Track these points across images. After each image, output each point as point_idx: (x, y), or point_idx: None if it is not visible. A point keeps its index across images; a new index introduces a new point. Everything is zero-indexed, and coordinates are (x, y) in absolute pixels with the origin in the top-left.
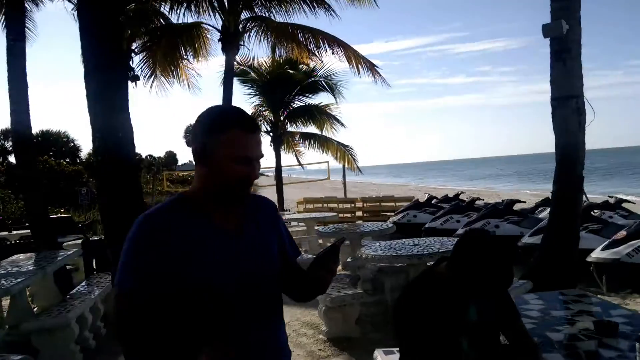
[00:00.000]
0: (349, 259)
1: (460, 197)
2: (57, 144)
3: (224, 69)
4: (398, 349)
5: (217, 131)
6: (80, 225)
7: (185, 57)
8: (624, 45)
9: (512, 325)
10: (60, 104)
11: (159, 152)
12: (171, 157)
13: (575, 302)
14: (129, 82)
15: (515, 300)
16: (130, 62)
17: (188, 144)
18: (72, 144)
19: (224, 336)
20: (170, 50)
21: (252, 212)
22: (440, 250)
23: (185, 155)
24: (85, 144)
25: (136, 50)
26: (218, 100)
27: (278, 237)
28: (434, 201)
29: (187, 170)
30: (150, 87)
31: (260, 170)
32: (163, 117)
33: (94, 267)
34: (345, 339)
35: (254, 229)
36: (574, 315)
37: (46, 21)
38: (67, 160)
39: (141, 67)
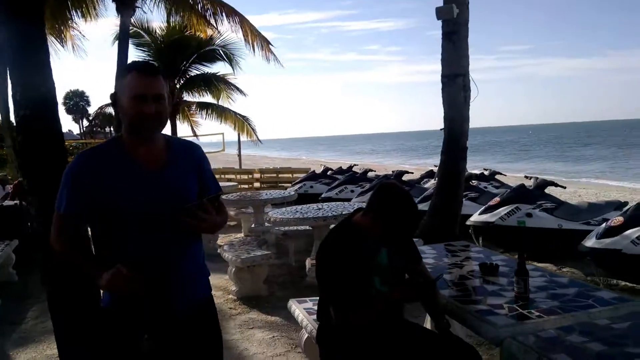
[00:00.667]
0: (253, 225)
1: (353, 169)
2: None
3: (118, 31)
4: (310, 298)
5: (121, 77)
6: None
7: (72, 16)
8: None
9: (415, 266)
10: None
11: None
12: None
13: (461, 251)
14: None
15: None
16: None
17: (68, 111)
18: None
19: (132, 262)
20: (59, 9)
21: (175, 154)
22: (342, 212)
23: (65, 124)
24: None
25: None
26: (108, 65)
27: (199, 176)
28: (329, 173)
29: (67, 140)
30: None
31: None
32: None
33: None
34: (255, 297)
35: (174, 169)
36: (461, 261)
37: None
38: None
39: None
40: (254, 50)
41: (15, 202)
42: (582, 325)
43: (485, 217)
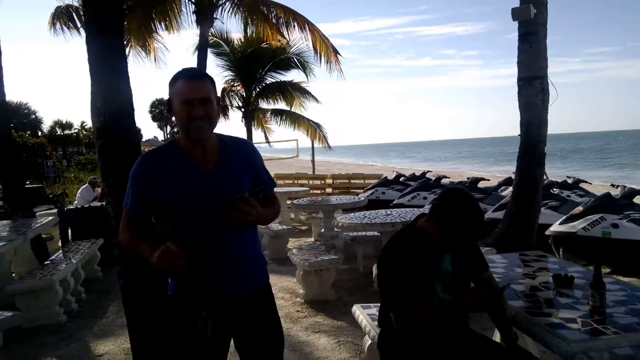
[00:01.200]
0: (322, 230)
1: (427, 175)
2: (18, 116)
3: (198, 41)
4: (374, 304)
5: (172, 85)
6: (51, 196)
7: (157, 29)
8: (583, 33)
9: (481, 275)
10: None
11: None
12: (136, 132)
13: (535, 261)
14: None
15: None
16: None
17: (154, 119)
18: (34, 116)
19: (183, 243)
20: (145, 20)
21: (228, 152)
22: (411, 219)
23: (150, 130)
24: (47, 116)
25: None
26: None
27: (252, 171)
28: (401, 179)
29: (152, 145)
30: (127, 56)
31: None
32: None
33: (70, 235)
34: (321, 301)
35: (227, 167)
36: (534, 272)
37: None
38: (28, 132)
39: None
40: (320, 60)
41: (102, 203)
42: None
43: (567, 227)
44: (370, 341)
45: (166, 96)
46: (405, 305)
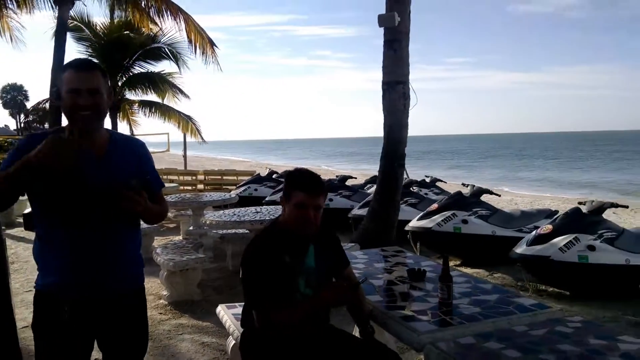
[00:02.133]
0: (191, 227)
1: None
2: None
3: (55, 24)
4: (239, 303)
5: (61, 75)
6: None
7: (7, 5)
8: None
9: (342, 270)
10: None
11: None
12: None
13: (393, 256)
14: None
15: None
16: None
17: (5, 105)
18: None
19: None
20: None
21: (115, 147)
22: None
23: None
24: None
25: None
26: (48, 58)
27: (138, 168)
28: (274, 176)
29: (2, 135)
30: None
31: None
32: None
33: None
34: (187, 302)
35: (113, 158)
36: (392, 266)
37: None
38: None
39: None
40: (195, 52)
41: None
42: (501, 331)
43: (423, 223)
44: (234, 342)
45: (19, 81)
46: (267, 302)
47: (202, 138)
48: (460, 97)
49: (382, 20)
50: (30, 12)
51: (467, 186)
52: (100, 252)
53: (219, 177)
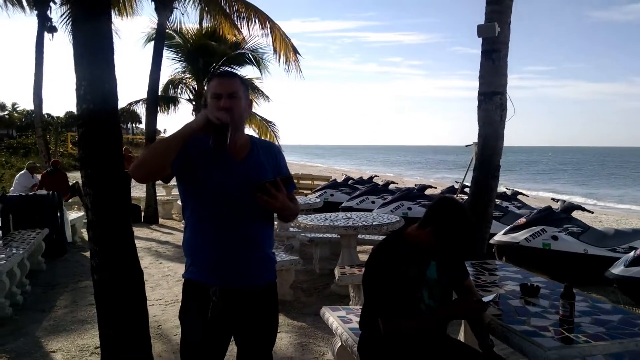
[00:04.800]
0: (278, 230)
1: (374, 180)
2: None
3: (153, 30)
4: (343, 306)
5: (207, 84)
6: None
7: None
8: (520, 52)
9: (463, 282)
10: None
11: (59, 112)
12: (72, 117)
13: (497, 270)
14: (45, 33)
15: None
16: (48, 12)
17: None
18: None
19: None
20: None
21: (256, 148)
22: (373, 223)
23: None
24: None
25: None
26: (133, 63)
27: (276, 168)
28: (350, 182)
29: None
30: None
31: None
32: (64, 75)
33: (11, 224)
34: (280, 302)
35: (254, 159)
36: (499, 280)
37: None
38: None
39: (64, 20)
40: (279, 59)
41: (48, 192)
42: (632, 353)
43: (511, 237)
44: (340, 343)
45: None
46: (394, 310)
47: (279, 144)
48: (538, 107)
49: (481, 30)
50: (129, 17)
51: (557, 201)
52: (243, 245)
53: (295, 181)
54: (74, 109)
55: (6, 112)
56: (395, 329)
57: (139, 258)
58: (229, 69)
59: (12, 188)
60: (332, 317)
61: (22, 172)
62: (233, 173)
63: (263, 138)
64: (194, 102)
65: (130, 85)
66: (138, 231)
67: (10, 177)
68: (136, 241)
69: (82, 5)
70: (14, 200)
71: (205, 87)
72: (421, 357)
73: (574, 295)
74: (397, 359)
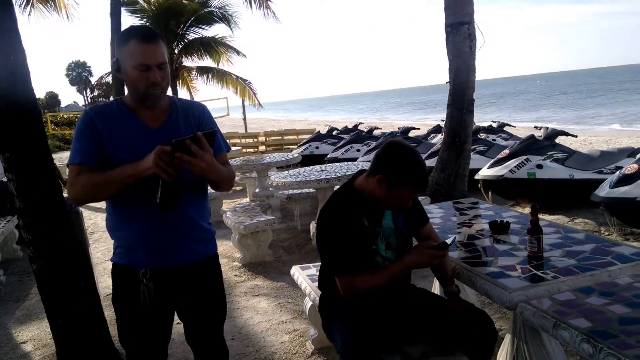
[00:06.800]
0: (257, 189)
1: (359, 127)
2: None
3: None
4: (313, 264)
5: (122, 45)
6: None
7: None
8: None
9: (422, 229)
10: None
11: (38, 93)
12: (52, 97)
13: (470, 208)
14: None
15: None
16: None
17: (72, 82)
18: None
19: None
20: None
21: (176, 113)
22: (346, 173)
23: (69, 95)
24: None
25: None
26: (104, 33)
27: (198, 128)
28: (334, 132)
29: (72, 112)
30: (29, 15)
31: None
32: (40, 54)
33: None
34: (260, 263)
35: (173, 126)
36: (470, 220)
37: None
38: None
39: None
40: (251, 6)
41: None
42: (602, 285)
43: (495, 171)
44: (311, 303)
45: (82, 58)
46: (350, 269)
47: (259, 102)
48: (524, 35)
49: None
50: None
51: (539, 129)
52: (170, 221)
53: (280, 137)
54: (53, 89)
55: None
56: (352, 288)
57: (85, 241)
58: (147, 26)
59: None
60: (301, 276)
61: None
62: (148, 145)
63: (243, 101)
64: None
65: (105, 57)
66: None
67: None
68: None
69: None
70: None
71: (116, 47)
72: (383, 310)
73: (540, 229)
74: (358, 316)
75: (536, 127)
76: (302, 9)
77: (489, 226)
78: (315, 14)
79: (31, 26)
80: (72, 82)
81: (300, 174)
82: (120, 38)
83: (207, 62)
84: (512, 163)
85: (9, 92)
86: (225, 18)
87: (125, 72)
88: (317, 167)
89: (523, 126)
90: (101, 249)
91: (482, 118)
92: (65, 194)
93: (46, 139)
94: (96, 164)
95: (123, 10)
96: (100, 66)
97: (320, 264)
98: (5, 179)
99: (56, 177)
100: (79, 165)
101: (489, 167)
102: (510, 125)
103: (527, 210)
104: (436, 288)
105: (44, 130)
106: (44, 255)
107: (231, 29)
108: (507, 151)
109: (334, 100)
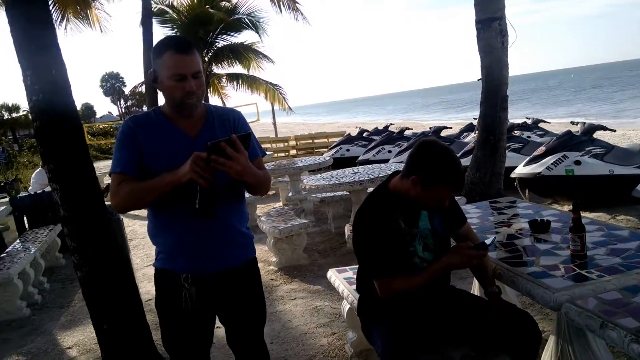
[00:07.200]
0: (290, 193)
1: (390, 128)
2: None
3: (141, 9)
4: (350, 267)
5: (158, 56)
6: (2, 184)
7: None
8: None
9: (460, 229)
10: None
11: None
12: (88, 109)
13: (508, 207)
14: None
15: None
16: None
17: (106, 93)
18: None
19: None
20: None
21: (212, 120)
22: (379, 175)
23: (103, 106)
24: None
25: None
26: (136, 45)
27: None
28: (365, 134)
29: (107, 122)
30: (65, 30)
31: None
32: (76, 67)
33: (26, 224)
34: (295, 267)
35: (210, 133)
36: (509, 219)
37: None
38: None
39: (52, 9)
40: (280, 10)
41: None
42: None
43: (531, 168)
44: (349, 306)
45: (116, 70)
46: (388, 271)
47: (289, 107)
48: (555, 29)
49: None
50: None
51: (576, 124)
52: (209, 226)
53: (310, 140)
54: (89, 101)
55: (22, 113)
56: (390, 290)
57: (126, 248)
58: (181, 36)
59: (30, 187)
60: (338, 279)
61: (37, 170)
62: (186, 152)
63: (272, 106)
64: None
65: (138, 68)
66: None
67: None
68: None
69: None
70: (24, 201)
71: (152, 58)
72: (422, 312)
73: (583, 227)
74: (398, 318)
75: (572, 123)
76: (323, 11)
77: (529, 225)
78: (333, 15)
79: (67, 40)
80: (106, 93)
81: (332, 177)
82: (155, 50)
83: (237, 68)
84: (549, 160)
85: (52, 106)
86: (253, 24)
87: (162, 83)
88: (350, 169)
89: (558, 122)
90: (140, 255)
91: (515, 115)
92: (106, 202)
93: (87, 149)
94: (137, 173)
95: (154, 20)
96: (133, 76)
97: (357, 266)
98: (47, 189)
99: (98, 185)
100: (121, 174)
101: (525, 165)
102: (545, 122)
103: (566, 208)
104: (476, 289)
105: (85, 141)
106: (89, 262)
107: (259, 35)
108: (543, 148)
109: (360, 103)
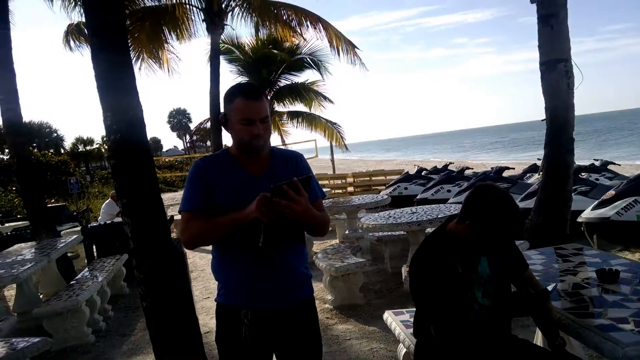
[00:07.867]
0: (347, 232)
1: (449, 167)
2: (40, 135)
3: (209, 49)
4: (407, 309)
5: (229, 102)
6: (75, 214)
7: (167, 39)
8: (598, 11)
9: (521, 275)
10: (38, 92)
11: None
12: (155, 143)
13: (574, 255)
14: None
15: None
16: None
17: (172, 128)
18: (55, 134)
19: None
20: (155, 32)
21: (276, 162)
22: (438, 216)
23: (169, 140)
24: (69, 134)
25: None
26: (203, 82)
27: (296, 175)
28: (423, 173)
29: (172, 156)
30: (139, 69)
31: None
32: (146, 102)
33: (95, 253)
34: (351, 306)
35: (273, 173)
36: (575, 267)
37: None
38: (51, 151)
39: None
40: (339, 55)
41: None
42: None
43: (600, 213)
44: (405, 349)
45: (183, 106)
46: (444, 316)
47: (345, 145)
48: (624, 68)
49: None
50: (187, 40)
51: None
52: (270, 265)
53: (368, 178)
54: (156, 135)
55: (96, 146)
56: (448, 336)
57: (188, 281)
58: (251, 83)
59: (100, 217)
60: (394, 322)
61: (107, 201)
62: (251, 191)
63: (331, 143)
64: None
65: (203, 105)
66: None
67: None
68: None
69: (99, 36)
70: (95, 230)
71: (224, 103)
72: None
73: None
74: None
75: None
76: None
77: (596, 274)
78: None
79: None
80: (172, 128)
81: (390, 216)
82: (227, 95)
83: (298, 106)
84: (620, 204)
85: (128, 145)
86: (315, 64)
87: (232, 126)
88: (408, 209)
89: (629, 164)
90: (199, 287)
91: (582, 156)
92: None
93: (158, 187)
94: (204, 210)
95: (221, 58)
96: (199, 113)
97: (414, 309)
98: (115, 220)
99: (166, 221)
100: (190, 212)
101: (593, 209)
102: (614, 163)
103: (637, 256)
104: (539, 339)
105: (156, 179)
106: (154, 293)
107: (321, 74)
108: (612, 192)
109: (416, 140)
